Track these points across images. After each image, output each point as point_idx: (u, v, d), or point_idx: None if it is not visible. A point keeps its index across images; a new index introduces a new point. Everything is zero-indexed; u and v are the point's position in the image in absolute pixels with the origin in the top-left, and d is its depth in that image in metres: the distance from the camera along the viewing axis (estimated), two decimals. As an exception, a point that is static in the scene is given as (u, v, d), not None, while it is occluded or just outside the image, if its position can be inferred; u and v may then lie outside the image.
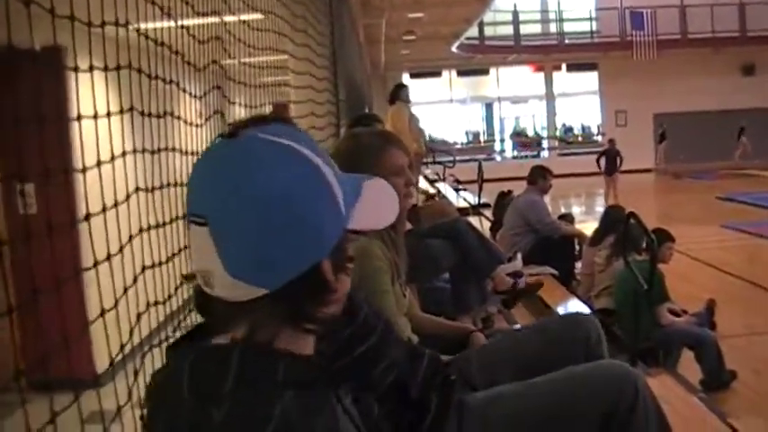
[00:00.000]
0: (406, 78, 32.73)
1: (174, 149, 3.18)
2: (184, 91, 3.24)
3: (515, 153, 37.83)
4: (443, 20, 21.97)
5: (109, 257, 2.57)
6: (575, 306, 6.94)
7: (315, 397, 1.33)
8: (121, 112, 2.77)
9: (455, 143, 33.59)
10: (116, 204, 2.69)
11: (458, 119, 38.09)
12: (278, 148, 1.34)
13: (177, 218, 2.92)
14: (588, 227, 10.07)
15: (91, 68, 2.44)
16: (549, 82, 36.99)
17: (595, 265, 8.34)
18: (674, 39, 32.10)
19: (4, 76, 3.22)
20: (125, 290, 2.64)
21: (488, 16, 29.77)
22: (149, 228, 2.88)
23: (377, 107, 21.21)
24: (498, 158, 36.72)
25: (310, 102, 6.13)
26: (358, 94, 14.54)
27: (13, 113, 2.35)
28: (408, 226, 4.49)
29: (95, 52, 2.39)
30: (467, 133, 38.78)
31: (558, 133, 38.06)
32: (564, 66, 36.93)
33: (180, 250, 2.95)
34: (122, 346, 2.56)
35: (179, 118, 3.26)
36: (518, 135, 38.80)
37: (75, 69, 2.43)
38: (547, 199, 10.48)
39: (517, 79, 37.89)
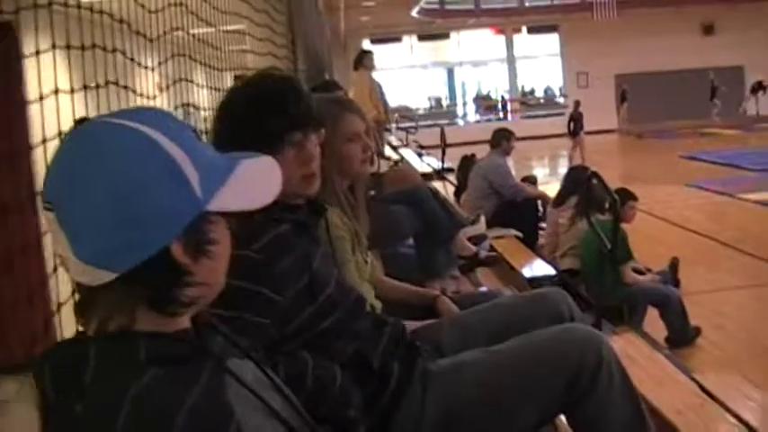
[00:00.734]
0: (366, 45, 32.60)
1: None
2: (139, 65, 3.20)
3: (478, 117, 37.87)
4: (403, -16, 21.91)
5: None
6: (540, 268, 6.98)
7: (186, 370, 1.33)
8: (83, 88, 2.73)
9: (417, 109, 33.58)
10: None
11: (420, 84, 38.03)
12: (122, 132, 1.33)
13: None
14: (552, 188, 10.10)
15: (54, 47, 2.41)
16: (510, 45, 36.95)
17: (559, 225, 8.37)
18: (633, -1, 32.18)
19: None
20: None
21: (448, -20, 29.78)
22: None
23: (338, 75, 21.13)
24: (461, 123, 36.75)
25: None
26: (318, 63, 14.45)
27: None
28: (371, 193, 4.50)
29: (47, 28, 2.36)
30: (429, 98, 38.75)
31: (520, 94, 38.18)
32: (524, 28, 36.91)
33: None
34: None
35: (134, 91, 3.23)
36: (482, 99, 38.83)
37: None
38: (510, 162, 10.50)
39: (478, 43, 37.85)
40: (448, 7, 33.29)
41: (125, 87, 3.01)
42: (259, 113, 2.40)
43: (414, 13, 29.69)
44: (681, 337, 7.39)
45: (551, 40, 36.77)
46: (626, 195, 7.81)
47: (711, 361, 7.01)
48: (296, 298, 2.32)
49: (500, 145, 10.11)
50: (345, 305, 2.48)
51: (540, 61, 38.24)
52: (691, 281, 8.87)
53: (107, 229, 1.28)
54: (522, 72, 37.96)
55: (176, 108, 3.87)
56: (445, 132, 14.20)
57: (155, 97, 3.48)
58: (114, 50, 2.97)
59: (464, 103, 38.97)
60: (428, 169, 13.51)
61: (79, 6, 2.56)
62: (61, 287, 1.77)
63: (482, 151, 10.78)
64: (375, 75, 11.60)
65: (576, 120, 23.16)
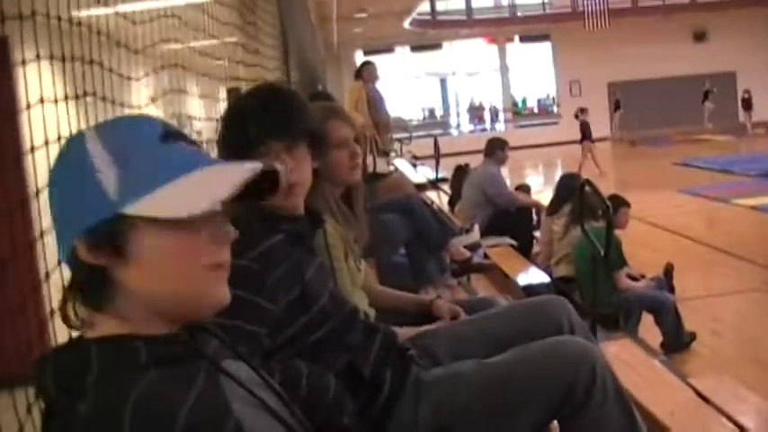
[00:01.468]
0: (359, 56, 32.66)
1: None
2: (129, 79, 3.21)
3: (472, 127, 37.89)
4: (394, -4, 21.95)
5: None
6: (534, 275, 6.99)
7: (184, 371, 1.35)
8: (68, 98, 2.74)
9: (411, 119, 33.54)
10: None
11: (413, 95, 38.05)
12: (74, 137, 1.43)
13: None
14: (546, 197, 10.10)
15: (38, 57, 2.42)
16: (502, 54, 36.99)
17: (553, 233, 8.38)
18: (625, 7, 32.20)
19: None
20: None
21: (440, -10, 29.83)
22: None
23: (331, 87, 21.14)
24: (455, 133, 36.76)
25: (258, 81, 6.10)
26: (311, 74, 14.50)
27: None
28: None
29: (41, 41, 2.37)
30: (423, 109, 38.78)
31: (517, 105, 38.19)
32: (517, 38, 36.97)
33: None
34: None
35: (122, 104, 3.23)
36: (476, 109, 38.84)
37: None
38: (504, 171, 10.52)
39: (471, 53, 37.90)
40: (440, 18, 33.37)
41: (114, 102, 3.01)
42: (244, 123, 2.44)
43: (406, 24, 29.74)
44: (676, 342, 7.39)
45: (544, 49, 36.82)
46: (618, 202, 7.83)
47: (707, 366, 7.01)
48: (289, 307, 2.33)
49: (494, 154, 10.14)
50: (338, 317, 2.49)
51: (533, 70, 38.28)
52: (685, 286, 8.87)
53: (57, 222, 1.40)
54: (515, 81, 37.98)
55: (172, 118, 3.88)
56: (439, 142, 14.24)
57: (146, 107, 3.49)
58: (111, 70, 2.98)
59: (457, 113, 39.00)
60: (423, 179, 13.53)
61: (71, 22, 2.58)
62: (54, 293, 1.78)
63: (476, 161, 10.79)
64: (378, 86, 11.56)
65: (582, 127, 22.92)
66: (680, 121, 32.39)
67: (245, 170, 1.39)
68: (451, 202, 11.19)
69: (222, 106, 4.70)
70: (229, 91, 6.38)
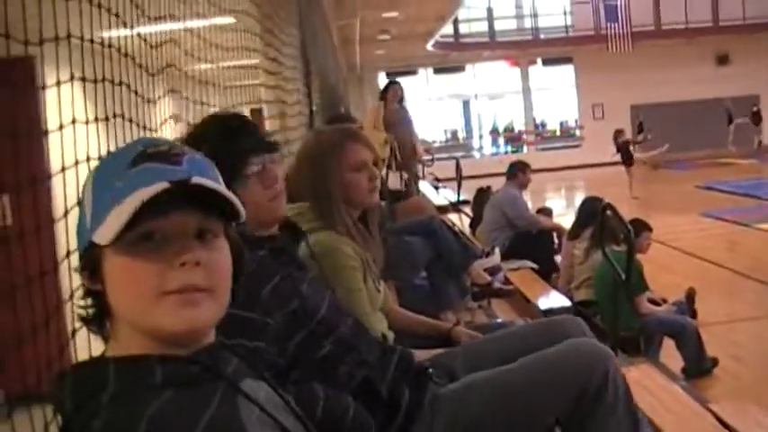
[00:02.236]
0: (382, 77, 32.67)
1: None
2: (149, 101, 3.24)
3: (494, 150, 37.83)
4: (417, 18, 21.96)
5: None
6: (555, 299, 6.98)
7: (200, 392, 1.37)
8: (96, 119, 2.76)
9: (433, 141, 33.54)
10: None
11: (436, 117, 38.06)
12: None
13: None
14: (568, 220, 10.09)
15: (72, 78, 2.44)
16: (525, 77, 36.96)
17: (574, 257, 8.36)
18: (648, 30, 32.17)
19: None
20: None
21: (463, 13, 29.81)
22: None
23: (353, 108, 21.20)
24: (477, 155, 36.73)
25: (278, 102, 6.14)
26: (333, 96, 14.54)
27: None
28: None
29: (67, 61, 2.39)
30: (445, 131, 38.77)
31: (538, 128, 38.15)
32: (539, 60, 36.95)
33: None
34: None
35: (145, 127, 3.26)
36: (496, 131, 38.76)
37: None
38: (526, 194, 10.52)
39: (493, 75, 37.90)
40: (463, 40, 33.40)
41: (133, 123, 3.04)
42: (215, 149, 2.46)
43: (429, 46, 29.77)
44: (697, 367, 7.36)
45: (566, 72, 36.75)
46: (640, 226, 7.82)
47: (728, 392, 6.96)
48: (287, 322, 2.35)
49: (516, 177, 10.14)
50: (342, 328, 2.51)
51: (556, 93, 38.23)
52: (707, 311, 8.82)
53: None
54: (538, 104, 37.92)
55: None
56: (461, 165, 14.24)
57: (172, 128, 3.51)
58: (135, 91, 3.00)
59: (480, 136, 38.96)
60: (444, 202, 13.52)
61: (92, 41, 2.60)
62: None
63: (498, 184, 10.80)
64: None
65: (621, 149, 22.77)
66: (703, 144, 32.26)
67: (151, 190, 1.37)
68: (473, 225, 11.18)
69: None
70: (252, 111, 6.43)
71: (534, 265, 8.47)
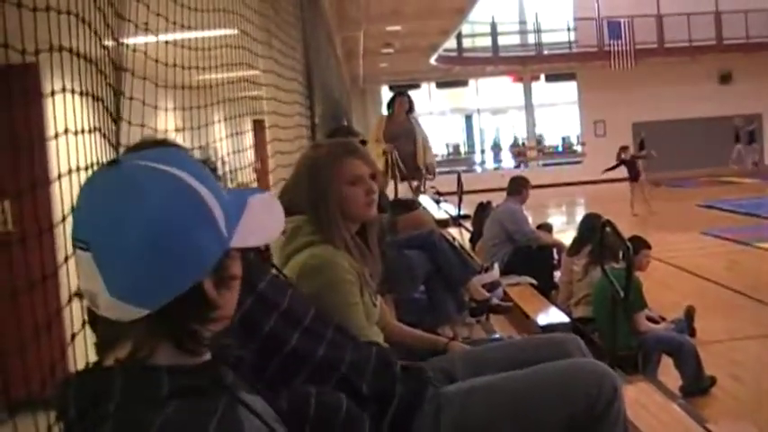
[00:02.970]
0: (385, 91, 32.74)
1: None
2: (156, 108, 3.25)
3: (495, 165, 37.82)
4: (421, 32, 22.03)
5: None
6: (554, 315, 6.97)
7: (206, 402, 1.38)
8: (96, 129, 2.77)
9: (435, 155, 33.56)
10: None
11: (438, 131, 38.08)
12: (156, 174, 1.40)
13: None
14: (568, 236, 10.09)
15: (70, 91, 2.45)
16: (527, 92, 36.98)
17: (574, 273, 8.35)
18: (651, 48, 32.23)
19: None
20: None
21: (466, 28, 29.89)
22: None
23: (356, 121, 21.23)
24: (479, 170, 36.73)
25: (274, 114, 6.14)
26: (335, 109, 14.56)
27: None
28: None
29: (68, 69, 2.40)
30: (447, 145, 38.79)
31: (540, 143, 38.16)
32: (543, 76, 36.99)
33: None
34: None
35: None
36: (498, 146, 38.78)
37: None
38: (527, 210, 10.52)
39: (496, 90, 37.95)
40: (466, 55, 33.45)
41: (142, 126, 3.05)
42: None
43: (432, 60, 29.83)
44: (695, 386, 7.34)
45: (569, 88, 36.77)
46: (640, 244, 7.82)
47: (726, 411, 6.95)
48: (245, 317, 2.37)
49: (517, 192, 10.15)
50: (305, 323, 2.54)
51: (558, 109, 38.24)
52: (706, 329, 8.81)
53: (143, 268, 1.34)
54: (540, 120, 37.93)
55: (198, 149, 3.93)
56: (462, 179, 14.25)
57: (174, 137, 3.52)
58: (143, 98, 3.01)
59: (482, 150, 38.97)
60: (445, 216, 13.50)
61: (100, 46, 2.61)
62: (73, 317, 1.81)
63: (499, 198, 10.80)
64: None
65: (628, 165, 22.78)
66: (704, 162, 32.27)
67: (270, 199, 1.53)
68: (473, 240, 11.18)
69: (249, 137, 4.76)
70: (255, 123, 6.44)
71: (534, 281, 8.47)
